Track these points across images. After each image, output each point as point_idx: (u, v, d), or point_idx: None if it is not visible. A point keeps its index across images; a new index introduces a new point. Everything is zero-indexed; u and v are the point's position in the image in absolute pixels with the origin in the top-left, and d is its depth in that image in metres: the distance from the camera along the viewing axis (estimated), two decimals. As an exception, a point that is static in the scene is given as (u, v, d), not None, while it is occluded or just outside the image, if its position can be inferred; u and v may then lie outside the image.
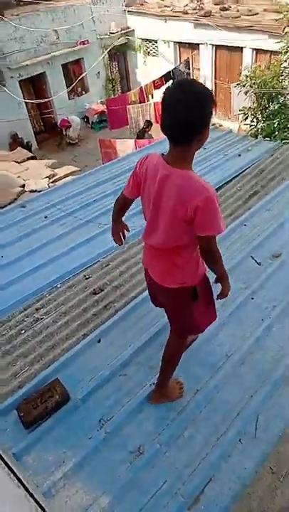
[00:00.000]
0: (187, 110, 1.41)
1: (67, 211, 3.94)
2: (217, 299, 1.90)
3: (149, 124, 9.85)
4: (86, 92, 13.85)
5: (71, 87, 12.80)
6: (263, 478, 1.77)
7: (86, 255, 3.29)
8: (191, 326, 1.96)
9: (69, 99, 13.29)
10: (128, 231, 2.16)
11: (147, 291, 2.21)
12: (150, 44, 13.97)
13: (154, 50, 14.01)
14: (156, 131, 9.87)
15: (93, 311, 2.74)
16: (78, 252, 3.36)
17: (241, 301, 2.68)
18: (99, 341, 2.49)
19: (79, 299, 2.85)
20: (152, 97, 10.95)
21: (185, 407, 2.08)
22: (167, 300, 1.93)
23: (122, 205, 2.00)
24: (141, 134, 9.43)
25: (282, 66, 7.55)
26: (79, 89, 13.62)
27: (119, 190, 4.06)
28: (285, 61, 7.57)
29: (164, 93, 1.49)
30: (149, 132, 9.44)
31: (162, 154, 1.62)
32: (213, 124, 6.24)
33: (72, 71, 13.27)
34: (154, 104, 10.24)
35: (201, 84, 1.52)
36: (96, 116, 13.22)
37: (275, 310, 2.60)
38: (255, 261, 3.06)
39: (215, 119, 12.95)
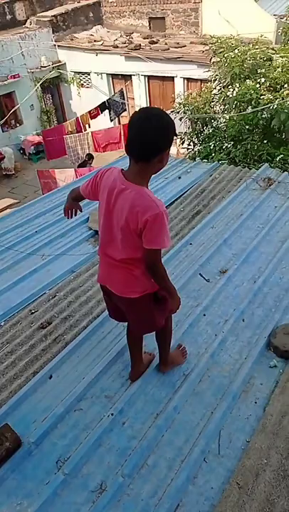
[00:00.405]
0: (154, 131, 1.57)
1: (6, 245, 3.79)
2: (170, 312, 2.03)
3: (90, 157, 9.99)
4: (20, 124, 13.81)
5: (4, 120, 12.72)
6: (231, 495, 1.73)
7: (31, 288, 3.17)
8: (154, 326, 2.06)
9: (2, 131, 13.22)
10: (81, 211, 2.24)
11: (106, 308, 2.25)
12: (83, 76, 14.29)
13: (87, 82, 14.34)
14: (97, 162, 9.99)
15: (42, 347, 2.61)
16: (22, 286, 3.23)
17: (194, 319, 2.69)
18: (50, 377, 2.36)
19: (26, 335, 2.72)
20: (89, 127, 11.13)
21: (146, 433, 2.01)
22: (130, 309, 1.98)
23: (76, 196, 2.07)
24: (83, 166, 9.52)
25: (212, 93, 8.01)
26: (12, 122, 13.56)
27: (61, 220, 4.06)
28: (215, 88, 8.05)
29: (132, 116, 1.63)
30: (91, 164, 9.55)
31: (122, 170, 1.72)
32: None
33: (5, 104, 13.27)
34: (92, 133, 10.41)
35: (167, 114, 1.68)
36: (33, 147, 13.18)
37: (227, 324, 2.63)
38: (204, 278, 3.10)
39: (154, 145, 13.37)
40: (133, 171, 1.67)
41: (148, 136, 1.57)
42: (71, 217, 2.24)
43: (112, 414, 2.10)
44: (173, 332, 2.33)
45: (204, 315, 2.75)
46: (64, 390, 2.26)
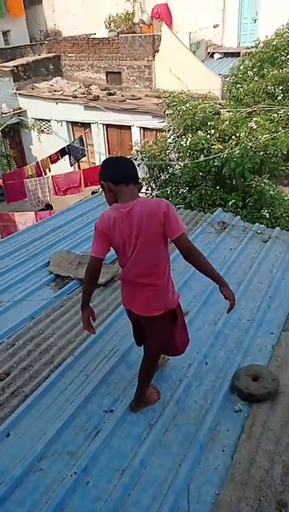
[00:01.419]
0: (131, 166, 2.10)
1: None
2: (228, 312, 2.20)
3: (49, 207, 10.07)
4: (-20, 168, 13.70)
5: None
6: None
7: (-12, 337, 3.01)
8: (171, 346, 2.23)
9: None
10: (94, 320, 2.28)
11: (132, 332, 2.38)
12: (43, 123, 14.61)
13: (47, 129, 14.65)
14: (58, 205, 10.02)
15: (-1, 401, 2.44)
16: (-23, 336, 3.05)
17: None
18: (8, 435, 2.20)
19: (-19, 389, 2.54)
20: (49, 171, 11.24)
21: (112, 493, 1.89)
22: (152, 328, 2.12)
23: (97, 273, 2.11)
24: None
25: (167, 142, 8.44)
26: (-28, 165, 13.43)
27: (20, 265, 3.96)
28: (169, 137, 8.50)
29: (107, 161, 2.15)
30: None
31: (114, 205, 2.01)
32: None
33: None
34: (52, 177, 10.50)
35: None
36: (-9, 190, 13.00)
37: (191, 368, 2.62)
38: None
39: (113, 189, 13.68)
40: (128, 193, 1.99)
41: (131, 169, 2.07)
42: (95, 331, 2.37)
43: (75, 473, 1.97)
44: (136, 378, 2.32)
45: (168, 359, 2.72)
46: (23, 449, 2.10)
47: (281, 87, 10.27)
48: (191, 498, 1.88)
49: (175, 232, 1.92)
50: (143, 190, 8.53)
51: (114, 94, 13.52)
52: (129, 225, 1.93)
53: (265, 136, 6.92)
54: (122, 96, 13.34)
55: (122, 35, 14.51)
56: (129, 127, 12.93)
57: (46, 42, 16.43)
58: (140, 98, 13.12)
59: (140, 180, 2.09)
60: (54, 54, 15.58)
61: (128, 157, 7.74)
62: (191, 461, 2.02)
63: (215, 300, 3.27)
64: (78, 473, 1.96)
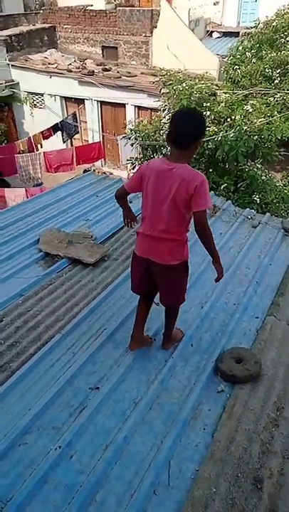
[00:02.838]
0: (192, 126, 2.11)
1: None
2: (216, 280, 2.43)
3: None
4: None
5: None
6: (181, 529, 1.71)
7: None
8: (181, 295, 2.50)
9: None
10: (136, 223, 2.67)
11: (135, 281, 2.56)
12: (36, 97, 14.24)
13: (40, 103, 14.30)
14: (49, 182, 9.89)
15: (-14, 376, 2.46)
16: None
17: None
18: (-6, 409, 2.23)
19: None
20: (41, 147, 11.03)
21: (95, 467, 1.94)
22: (169, 277, 2.37)
23: (122, 196, 2.54)
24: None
25: (162, 122, 8.31)
26: None
27: (9, 242, 3.93)
28: (164, 117, 8.36)
29: (174, 114, 2.26)
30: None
31: (164, 155, 2.26)
32: (104, 173, 6.49)
33: None
34: (44, 153, 10.32)
35: (200, 112, 2.43)
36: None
37: (176, 349, 2.66)
38: (154, 302, 3.13)
39: (105, 168, 13.51)
40: (174, 155, 2.14)
41: (188, 131, 2.09)
42: (130, 226, 2.70)
43: (59, 447, 2.01)
44: (123, 357, 2.46)
45: (154, 340, 2.76)
46: (8, 423, 2.13)
47: (279, 70, 10.12)
48: (172, 473, 1.94)
49: (197, 206, 2.12)
50: (135, 170, 8.47)
51: (109, 70, 13.18)
52: (163, 181, 2.15)
53: (260, 120, 6.87)
54: (118, 72, 13.02)
55: (120, 8, 14.06)
56: (123, 105, 12.68)
57: (41, 11, 15.85)
58: (136, 75, 12.83)
59: (193, 143, 2.14)
60: (49, 25, 15.07)
61: (120, 136, 7.56)
62: (173, 439, 2.08)
63: (202, 283, 3.31)
64: (63, 447, 2.01)
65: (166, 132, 2.24)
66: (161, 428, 2.15)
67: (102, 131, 13.56)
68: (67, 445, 2.03)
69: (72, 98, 13.61)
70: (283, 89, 9.51)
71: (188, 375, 2.50)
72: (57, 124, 11.58)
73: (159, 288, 2.48)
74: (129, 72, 12.92)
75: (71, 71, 13.14)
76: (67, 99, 13.79)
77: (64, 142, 12.04)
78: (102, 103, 13.14)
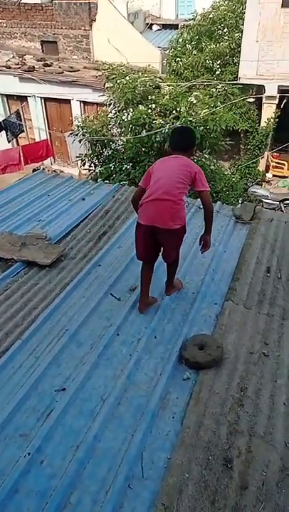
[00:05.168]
0: (185, 138, 2.99)
1: None
2: (202, 251, 3.06)
3: None
4: None
5: None
6: (158, 517, 1.73)
7: None
8: (178, 254, 2.96)
9: None
10: (135, 234, 2.95)
11: (140, 249, 2.93)
12: (-25, 96, 13.63)
13: (-20, 102, 13.69)
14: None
15: None
16: None
17: (108, 340, 2.68)
18: None
19: None
20: (-15, 148, 10.58)
21: (67, 469, 1.92)
22: (171, 240, 2.82)
23: (139, 197, 2.89)
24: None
25: (108, 116, 8.25)
26: None
27: None
28: (111, 112, 8.31)
29: (173, 130, 3.66)
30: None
31: (170, 156, 2.90)
32: (54, 171, 6.35)
33: None
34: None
35: (190, 128, 3.78)
36: None
37: (141, 342, 2.68)
38: (115, 297, 3.13)
39: (55, 166, 13.24)
40: (176, 154, 2.87)
41: (185, 142, 2.95)
42: None
43: (28, 454, 1.97)
44: (88, 354, 2.49)
45: (118, 334, 2.76)
46: (-28, 437, 2.05)
47: (219, 61, 10.38)
48: (145, 465, 1.96)
49: (202, 187, 2.75)
50: (86, 166, 8.37)
51: (50, 66, 12.86)
52: (169, 161, 2.84)
53: (204, 111, 7.01)
54: (60, 67, 12.73)
55: (56, 2, 13.72)
56: (68, 101, 12.45)
57: (-28, 5, 15.11)
58: (79, 70, 12.62)
59: (189, 149, 2.95)
60: (-17, 19, 14.42)
61: (68, 132, 7.44)
62: (143, 431, 2.09)
63: (162, 275, 3.34)
64: (32, 453, 1.96)
65: (168, 143, 3.17)
66: (131, 422, 2.16)
67: (49, 129, 13.25)
68: (37, 450, 1.99)
69: (14, 95, 13.15)
70: (224, 80, 9.77)
71: (153, 366, 2.53)
72: (0, 123, 11.15)
73: (164, 248, 2.89)
74: (72, 67, 12.68)
75: (10, 67, 12.69)
76: (8, 96, 13.32)
77: (9, 142, 11.60)
78: (46, 100, 12.82)
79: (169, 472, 1.91)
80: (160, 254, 2.96)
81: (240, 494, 1.83)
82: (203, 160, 7.03)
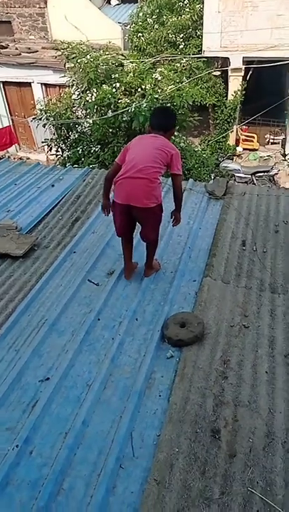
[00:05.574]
0: (166, 118, 2.98)
1: None
2: (174, 225, 3.12)
3: None
4: None
5: None
6: (151, 493, 1.76)
7: None
8: (158, 230, 2.98)
9: None
10: (113, 211, 2.97)
11: (118, 225, 2.96)
12: None
13: None
14: None
15: None
16: None
17: (89, 326, 2.67)
18: None
19: None
20: None
21: (57, 457, 1.92)
22: (148, 217, 2.84)
23: (114, 173, 2.85)
24: None
25: (72, 98, 8.00)
26: None
27: None
28: (74, 93, 8.06)
29: (154, 109, 4.02)
30: None
31: (150, 134, 2.87)
32: (20, 158, 6.15)
33: None
34: None
35: (171, 108, 4.17)
36: None
37: (122, 325, 2.67)
38: (93, 283, 3.10)
39: (21, 153, 12.84)
40: (156, 134, 2.84)
41: (164, 121, 2.93)
42: (107, 214, 3.09)
43: (16, 446, 1.95)
44: (70, 342, 2.45)
45: (99, 319, 2.75)
46: None
47: (182, 34, 10.17)
48: (135, 444, 1.98)
49: (176, 170, 2.77)
50: (53, 151, 8.16)
51: (6, 48, 12.32)
52: (146, 139, 2.86)
53: (170, 87, 6.90)
54: (17, 49, 12.21)
55: (7, -22, 13.04)
56: (29, 84, 12.02)
57: None
58: (37, 51, 12.15)
59: (169, 129, 2.94)
60: None
61: (30, 117, 7.18)
62: (131, 411, 2.11)
63: (139, 257, 3.32)
64: (20, 445, 1.95)
65: (148, 123, 2.99)
66: (118, 404, 2.17)
67: (11, 115, 12.78)
68: (25, 442, 1.97)
69: None
70: (188, 54, 9.60)
71: (137, 348, 2.53)
72: None
73: (142, 227, 2.94)
74: (29, 48, 12.19)
75: None
76: None
77: None
78: (5, 84, 12.34)
79: (159, 449, 1.94)
80: (139, 233, 3.01)
81: (229, 462, 1.88)
82: (173, 138, 6.96)
